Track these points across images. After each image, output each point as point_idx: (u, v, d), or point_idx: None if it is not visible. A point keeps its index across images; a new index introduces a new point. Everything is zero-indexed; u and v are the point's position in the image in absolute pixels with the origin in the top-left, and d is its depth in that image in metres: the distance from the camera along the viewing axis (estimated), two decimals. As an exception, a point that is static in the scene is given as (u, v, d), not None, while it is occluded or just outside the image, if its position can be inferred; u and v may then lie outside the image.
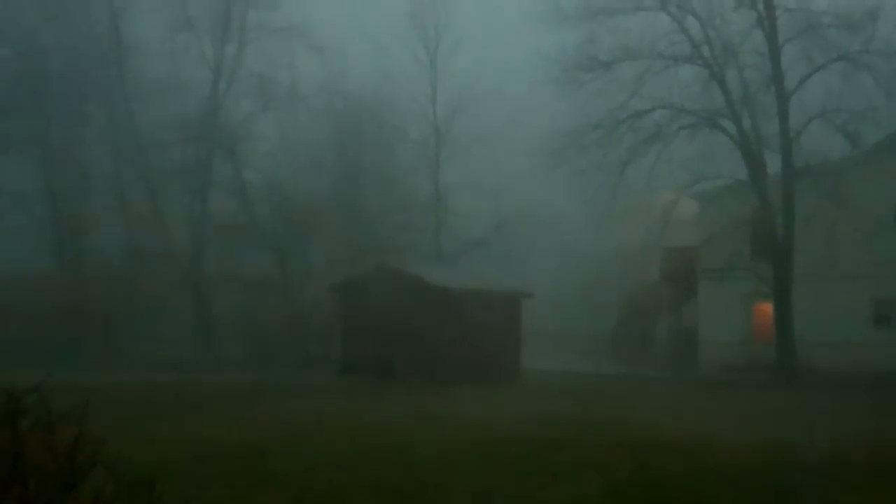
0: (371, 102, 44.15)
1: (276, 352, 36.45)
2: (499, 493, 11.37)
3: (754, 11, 33.35)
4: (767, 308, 35.51)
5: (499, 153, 43.09)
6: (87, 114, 44.72)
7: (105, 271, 41.70)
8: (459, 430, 17.04)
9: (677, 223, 37.85)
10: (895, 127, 34.55)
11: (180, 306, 42.20)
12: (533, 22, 36.33)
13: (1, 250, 39.02)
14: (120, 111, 44.12)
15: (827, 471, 12.89)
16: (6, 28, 42.56)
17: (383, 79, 44.08)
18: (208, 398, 22.62)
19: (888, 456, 14.37)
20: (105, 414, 4.88)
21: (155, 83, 42.83)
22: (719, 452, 14.67)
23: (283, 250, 42.06)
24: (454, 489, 11.50)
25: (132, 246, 42.94)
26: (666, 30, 34.15)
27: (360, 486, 11.47)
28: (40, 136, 43.39)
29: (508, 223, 43.58)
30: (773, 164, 33.93)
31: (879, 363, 31.72)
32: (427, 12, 44.95)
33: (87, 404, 4.81)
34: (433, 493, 11.19)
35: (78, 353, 34.85)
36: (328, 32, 43.27)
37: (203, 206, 43.38)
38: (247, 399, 22.31)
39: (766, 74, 33.35)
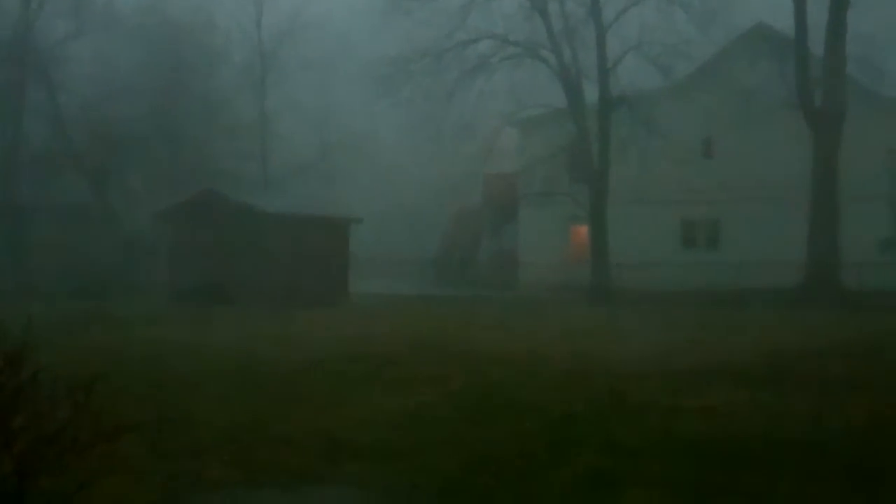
0: (192, 24, 43.08)
1: (100, 281, 35.66)
2: (345, 403, 11.92)
3: (577, -57, 34.42)
4: (584, 231, 37.22)
5: (326, 79, 43.05)
6: None
7: None
8: (295, 350, 17.51)
9: (499, 151, 39.05)
10: (705, 60, 36.60)
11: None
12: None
13: None
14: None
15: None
16: None
17: (204, 1, 43.12)
18: (27, 330, 22.15)
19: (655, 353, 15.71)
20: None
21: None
22: (537, 362, 15.72)
23: (102, 177, 40.85)
24: (306, 399, 12.02)
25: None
26: (493, -41, 34.80)
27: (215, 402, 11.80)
28: None
29: (335, 149, 43.74)
30: (592, 94, 35.39)
31: (686, 281, 33.89)
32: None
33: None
34: (282, 406, 11.64)
35: None
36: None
37: (16, 131, 41.58)
38: (75, 329, 21.77)
39: (586, 7, 34.61)
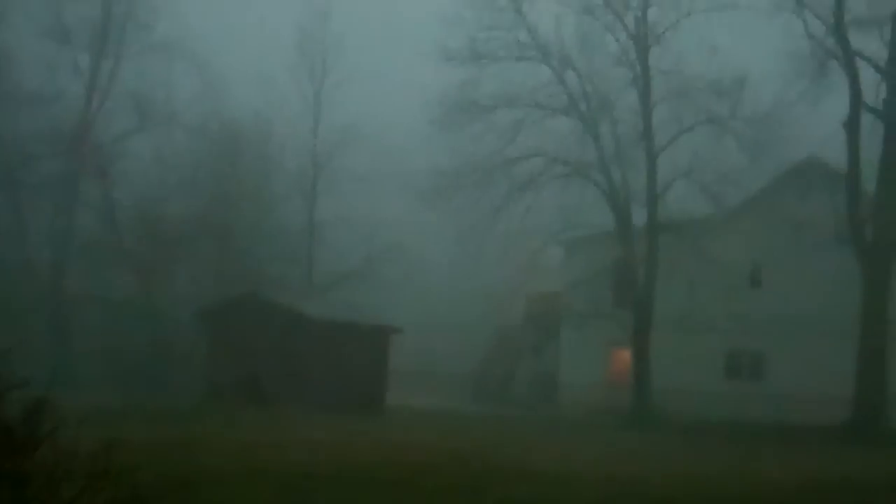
0: (250, 129, 43.95)
1: (137, 375, 35.66)
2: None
3: (630, 71, 34.90)
4: (626, 354, 36.74)
5: (375, 189, 43.46)
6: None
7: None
8: (331, 455, 17.21)
9: (543, 269, 38.97)
10: (755, 189, 36.55)
11: (38, 325, 40.75)
12: (419, 61, 37.09)
13: None
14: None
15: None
16: None
17: (265, 107, 44.04)
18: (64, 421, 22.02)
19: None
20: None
21: (26, 94, 41.68)
22: (572, 481, 15.33)
23: (148, 272, 41.19)
24: None
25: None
26: (546, 81, 35.36)
27: None
28: None
29: (380, 259, 43.88)
30: (639, 217, 35.37)
31: (728, 411, 33.14)
32: (316, 45, 45.11)
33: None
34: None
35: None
36: (211, 55, 43.03)
37: (69, 222, 42.27)
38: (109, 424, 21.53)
39: (638, 131, 34.90)
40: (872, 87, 31.29)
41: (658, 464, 19.82)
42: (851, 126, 31.10)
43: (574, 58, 35.14)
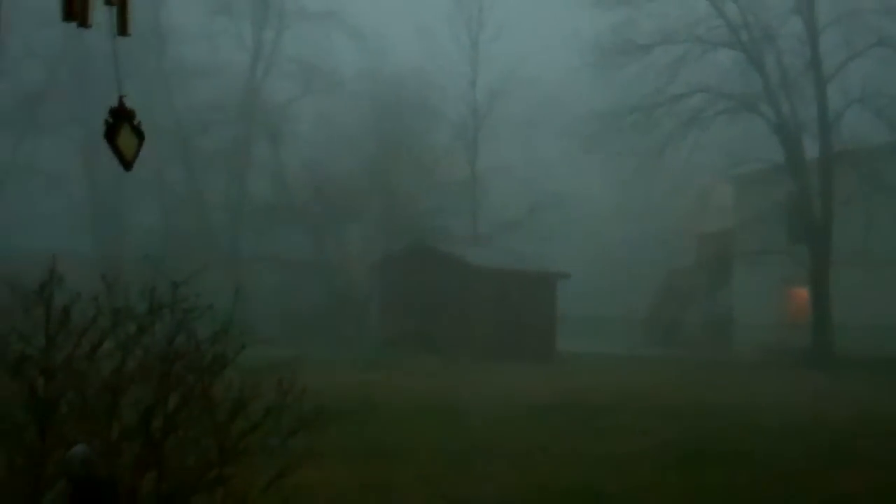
0: (410, 85, 44.34)
1: (314, 329, 36.75)
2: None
3: (793, -4, 33.45)
4: (803, 292, 35.56)
5: (536, 136, 43.29)
6: (127, 96, 44.89)
7: (141, 252, 42.00)
8: (510, 401, 17.36)
9: (714, 207, 38.00)
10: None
11: (216, 287, 42.39)
12: (573, 5, 36.54)
13: (36, 231, 39.45)
14: (159, 93, 44.50)
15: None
16: (51, 8, 42.97)
17: (424, 61, 44.36)
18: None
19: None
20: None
21: (195, 67, 43.32)
22: (754, 417, 15.04)
23: (320, 230, 42.38)
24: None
25: (170, 227, 43.37)
26: (704, 14, 34.31)
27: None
28: (79, 118, 43.86)
29: (543, 206, 43.68)
30: (812, 148, 34.00)
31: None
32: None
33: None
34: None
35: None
36: (368, 15, 43.64)
37: (241, 187, 43.83)
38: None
39: (805, 59, 33.44)
40: None
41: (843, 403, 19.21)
42: None
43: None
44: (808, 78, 33.54)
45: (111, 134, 3.39)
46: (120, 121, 3.56)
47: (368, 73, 44.40)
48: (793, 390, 21.62)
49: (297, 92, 44.74)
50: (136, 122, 3.73)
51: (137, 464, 4.34)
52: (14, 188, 40.82)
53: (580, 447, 12.04)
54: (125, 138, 3.75)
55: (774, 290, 38.09)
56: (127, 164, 3.69)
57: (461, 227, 43.68)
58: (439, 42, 45.00)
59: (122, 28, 3.66)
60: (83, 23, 3.66)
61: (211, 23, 43.49)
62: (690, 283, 44.27)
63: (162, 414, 4.66)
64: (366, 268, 36.49)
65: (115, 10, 3.84)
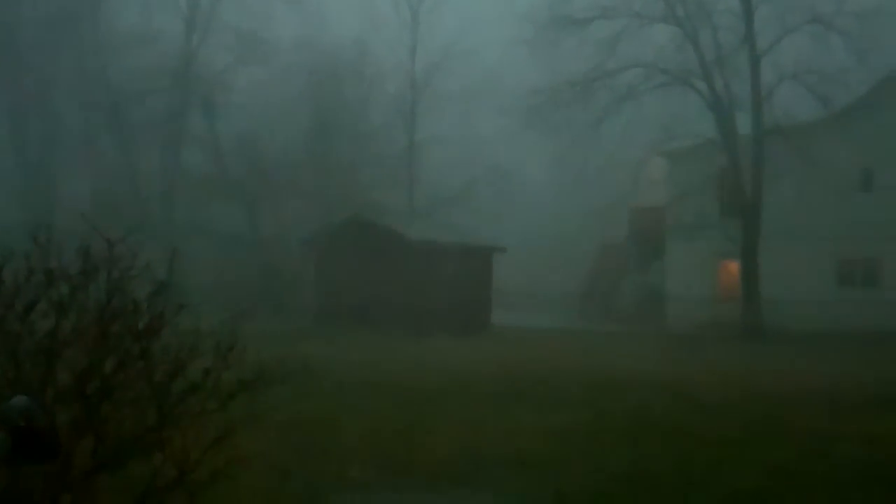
0: (348, 55, 44.04)
1: (247, 303, 36.44)
2: (500, 420, 11.80)
3: (729, -28, 33.77)
4: (734, 266, 36.13)
5: (475, 110, 43.26)
6: (58, 64, 44.17)
7: (72, 220, 41.29)
8: (444, 373, 17.43)
9: (647, 182, 38.38)
10: (865, 90, 35.15)
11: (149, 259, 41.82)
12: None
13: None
14: (92, 61, 43.71)
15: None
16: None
17: (362, 32, 44.06)
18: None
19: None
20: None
21: (128, 34, 42.55)
22: (680, 387, 15.27)
23: (254, 203, 41.98)
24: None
25: (100, 197, 42.62)
26: (641, -12, 34.46)
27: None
28: (11, 86, 42.93)
29: (481, 181, 43.81)
30: (744, 124, 34.46)
31: (842, 321, 32.42)
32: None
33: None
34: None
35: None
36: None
37: (175, 158, 43.23)
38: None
39: (740, 35, 33.82)
40: None
41: (764, 371, 19.62)
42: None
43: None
44: (742, 54, 33.93)
45: None
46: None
47: (306, 42, 43.90)
48: (721, 363, 22.00)
49: (232, 61, 44.15)
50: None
51: (74, 427, 4.25)
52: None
53: (517, 420, 12.11)
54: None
55: (707, 264, 38.62)
56: None
57: (398, 201, 43.60)
58: (379, 12, 44.73)
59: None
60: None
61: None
62: (624, 258, 44.75)
63: (98, 376, 4.58)
64: (301, 242, 36.19)
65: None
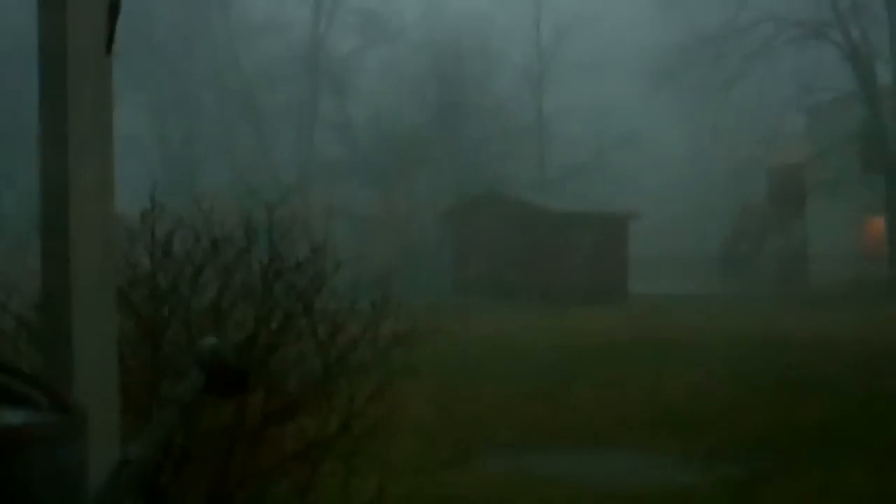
0: (472, 29, 44.11)
1: (386, 280, 37.05)
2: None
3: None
4: (879, 223, 34.97)
5: (604, 76, 42.82)
6: (192, 56, 45.58)
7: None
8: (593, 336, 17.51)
9: (786, 139, 37.39)
10: None
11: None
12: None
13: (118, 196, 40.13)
14: (224, 52, 44.95)
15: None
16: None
17: (485, 4, 44.07)
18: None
19: None
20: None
21: (258, 23, 43.63)
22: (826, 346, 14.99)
23: (388, 183, 42.57)
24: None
25: (239, 186, 43.78)
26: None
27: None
28: (149, 80, 44.44)
29: (613, 147, 43.39)
30: (884, 75, 33.26)
31: None
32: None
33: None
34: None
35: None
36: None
37: (309, 143, 44.16)
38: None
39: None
40: None
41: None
42: None
43: None
44: (878, 1, 32.73)
45: None
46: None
47: (429, 19, 44.23)
48: (870, 323, 21.32)
49: (359, 43, 44.82)
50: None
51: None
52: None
53: (660, 378, 12.13)
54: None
55: (850, 222, 37.47)
56: None
57: (530, 173, 43.60)
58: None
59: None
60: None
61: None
62: (764, 218, 43.75)
63: (265, 333, 4.83)
64: (435, 218, 36.66)
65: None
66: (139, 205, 5.01)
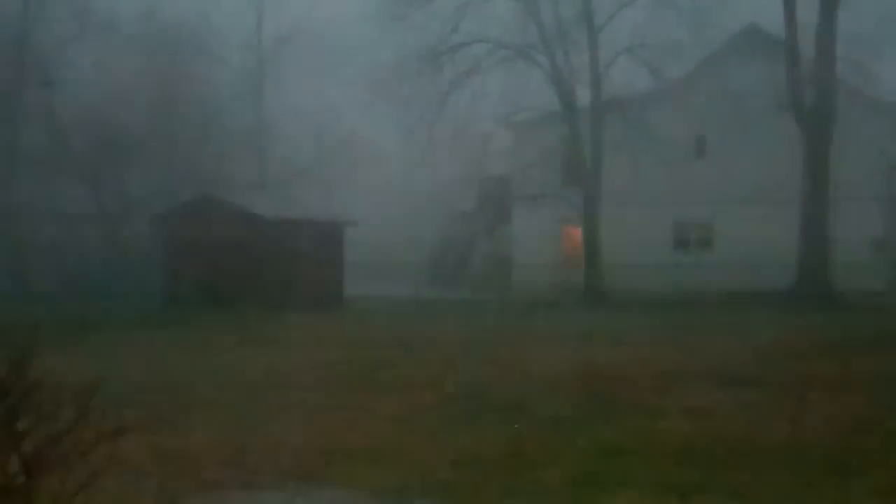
0: (192, 30, 43.30)
1: (95, 284, 35.80)
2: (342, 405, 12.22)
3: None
4: (577, 233, 37.46)
5: (324, 84, 43.25)
6: None
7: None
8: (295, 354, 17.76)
9: (493, 153, 39.32)
10: (697, 62, 36.87)
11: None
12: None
13: None
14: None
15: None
16: None
17: (205, 5, 43.36)
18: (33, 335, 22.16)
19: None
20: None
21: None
22: (523, 363, 16.00)
23: (98, 182, 40.88)
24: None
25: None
26: (485, -36, 35.03)
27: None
28: None
29: (332, 153, 43.99)
30: (585, 96, 35.66)
31: (679, 283, 34.15)
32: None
33: None
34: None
35: None
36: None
37: (13, 134, 41.66)
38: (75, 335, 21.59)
39: (578, 10, 34.82)
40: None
41: (606, 339, 20.57)
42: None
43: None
44: (581, 28, 34.98)
45: None
46: None
47: (148, 15, 42.89)
48: (566, 331, 22.86)
49: (71, 34, 42.67)
50: None
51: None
52: None
53: (366, 404, 12.45)
54: None
55: (551, 232, 39.99)
56: None
57: (248, 176, 43.35)
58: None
59: None
60: None
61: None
62: (472, 226, 45.79)
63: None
64: (150, 219, 35.61)
65: None
66: None
